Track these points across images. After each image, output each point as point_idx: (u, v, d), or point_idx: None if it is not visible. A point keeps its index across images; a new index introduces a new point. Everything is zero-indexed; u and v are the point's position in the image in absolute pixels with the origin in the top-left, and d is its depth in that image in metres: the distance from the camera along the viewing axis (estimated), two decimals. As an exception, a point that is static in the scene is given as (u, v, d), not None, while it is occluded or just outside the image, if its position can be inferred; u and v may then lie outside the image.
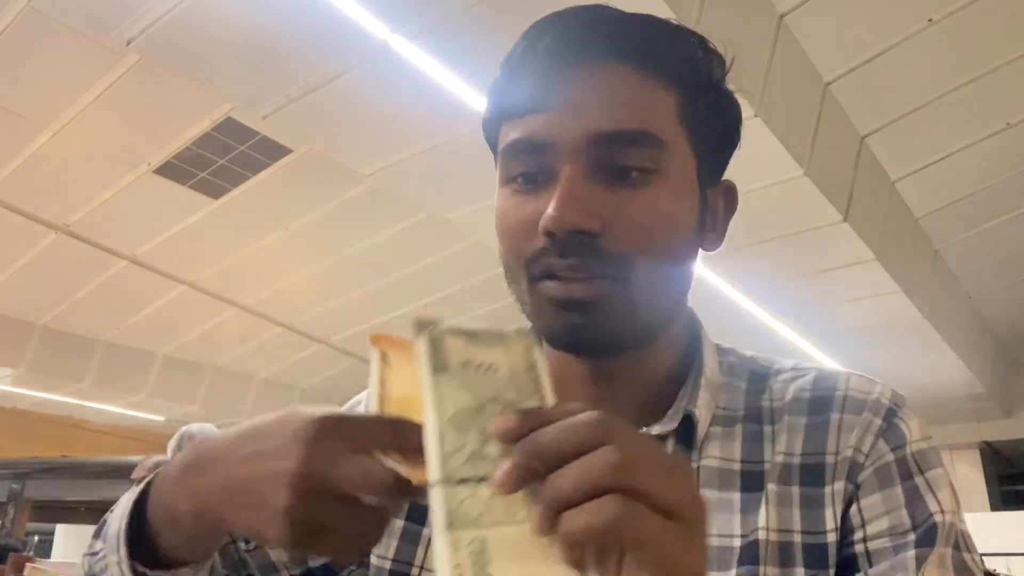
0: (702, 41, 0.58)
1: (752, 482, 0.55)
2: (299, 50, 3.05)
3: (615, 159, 0.52)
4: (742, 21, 3.25)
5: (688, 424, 0.56)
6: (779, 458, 0.55)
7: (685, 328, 0.62)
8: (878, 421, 0.55)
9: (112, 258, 5.55)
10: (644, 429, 0.55)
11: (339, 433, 0.37)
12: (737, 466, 0.56)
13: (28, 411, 7.84)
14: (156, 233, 5.32)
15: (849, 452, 0.54)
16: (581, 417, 0.34)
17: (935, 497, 0.52)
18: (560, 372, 0.59)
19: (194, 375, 7.50)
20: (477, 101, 3.08)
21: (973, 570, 0.51)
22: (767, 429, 0.57)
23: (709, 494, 0.55)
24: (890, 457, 0.53)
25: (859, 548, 0.51)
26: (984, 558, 5.57)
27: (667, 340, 0.59)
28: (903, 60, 3.73)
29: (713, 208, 0.58)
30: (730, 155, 0.60)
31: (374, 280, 6.00)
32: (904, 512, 0.51)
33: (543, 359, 0.36)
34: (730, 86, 0.59)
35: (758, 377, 0.61)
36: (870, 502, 0.52)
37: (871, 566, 0.50)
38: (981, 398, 7.47)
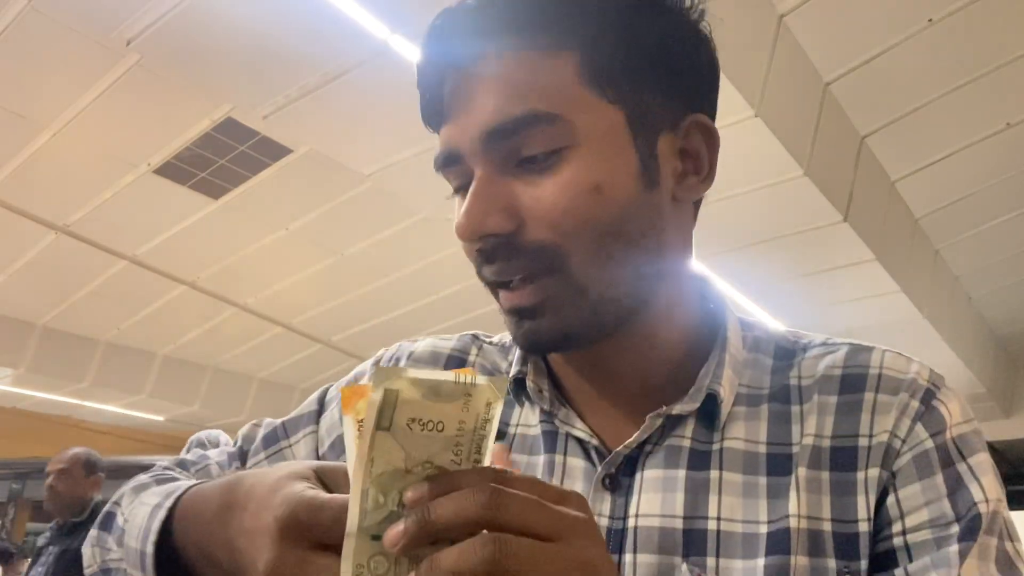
0: None
1: (779, 465, 0.52)
2: (299, 50, 3.05)
3: (516, 149, 0.49)
4: (742, 21, 3.25)
5: (711, 403, 0.54)
6: (808, 440, 0.52)
7: (697, 299, 0.59)
8: (915, 403, 0.52)
9: (112, 258, 5.55)
10: (664, 409, 0.53)
11: (308, 534, 0.37)
12: (763, 448, 0.53)
13: (28, 411, 7.83)
14: (156, 233, 5.32)
15: (885, 437, 0.51)
16: (475, 489, 0.34)
17: (979, 484, 0.49)
18: (560, 368, 0.58)
19: (194, 375, 7.50)
20: (477, 101, 3.08)
21: (1015, 561, 0.48)
22: (795, 409, 0.54)
23: (733, 477, 0.52)
24: (929, 444, 0.50)
25: (898, 541, 0.49)
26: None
27: (667, 312, 0.56)
28: (903, 60, 3.73)
29: (681, 150, 0.54)
30: (691, 87, 0.55)
31: (374, 280, 6.00)
32: (946, 502, 0.48)
33: (498, 413, 0.36)
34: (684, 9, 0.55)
35: (785, 353, 0.58)
36: (909, 492, 0.49)
37: (911, 560, 0.48)
38: (981, 398, 7.47)
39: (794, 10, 3.45)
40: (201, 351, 7.26)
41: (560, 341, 0.52)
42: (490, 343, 0.66)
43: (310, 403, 0.69)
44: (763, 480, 0.52)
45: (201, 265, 5.82)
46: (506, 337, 0.65)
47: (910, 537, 0.49)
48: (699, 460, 0.53)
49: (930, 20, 3.53)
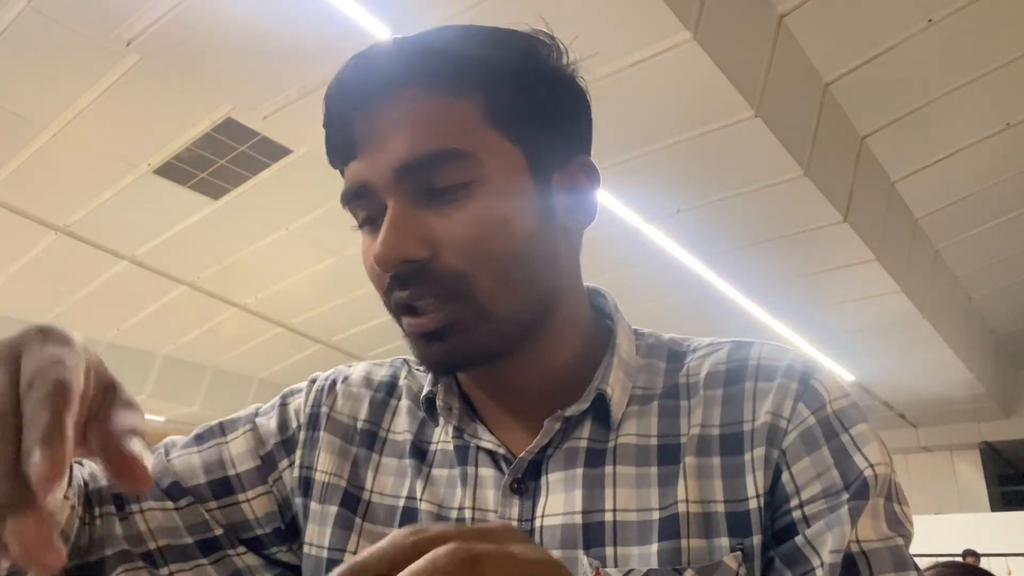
0: (503, 35, 0.60)
1: (669, 455, 0.56)
2: (299, 51, 3.05)
3: (430, 182, 0.53)
4: (742, 21, 3.25)
5: (602, 403, 0.57)
6: (695, 430, 0.56)
7: (590, 314, 0.63)
8: (794, 385, 0.55)
9: (112, 258, 5.55)
10: (559, 412, 0.57)
11: None
12: (654, 441, 0.57)
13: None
14: (156, 233, 5.33)
15: (768, 418, 0.54)
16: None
17: (862, 453, 0.52)
18: (468, 385, 0.62)
19: (194, 375, 7.51)
20: (477, 101, 3.09)
21: (904, 522, 0.52)
22: (683, 404, 0.58)
23: (626, 470, 0.56)
24: (812, 420, 0.54)
25: (796, 514, 0.52)
26: (984, 558, 5.55)
27: (562, 328, 0.60)
28: (903, 60, 3.73)
29: (569, 188, 0.59)
30: (580, 133, 0.60)
31: (374, 280, 6.00)
32: (835, 472, 0.52)
33: None
34: (566, 66, 0.60)
35: (676, 355, 0.62)
36: (800, 468, 0.53)
37: (809, 528, 0.51)
38: (981, 398, 7.48)
39: (794, 10, 3.45)
40: (201, 351, 7.27)
41: (466, 361, 0.56)
42: (420, 368, 0.70)
43: (245, 411, 0.73)
44: (654, 470, 0.56)
45: (201, 265, 5.82)
46: None
47: (806, 509, 0.52)
48: (595, 458, 0.57)
49: (930, 20, 3.53)
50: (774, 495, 0.53)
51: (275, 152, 4.47)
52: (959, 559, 5.50)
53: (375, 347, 7.19)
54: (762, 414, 0.54)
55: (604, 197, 3.93)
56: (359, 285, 6.15)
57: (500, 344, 0.55)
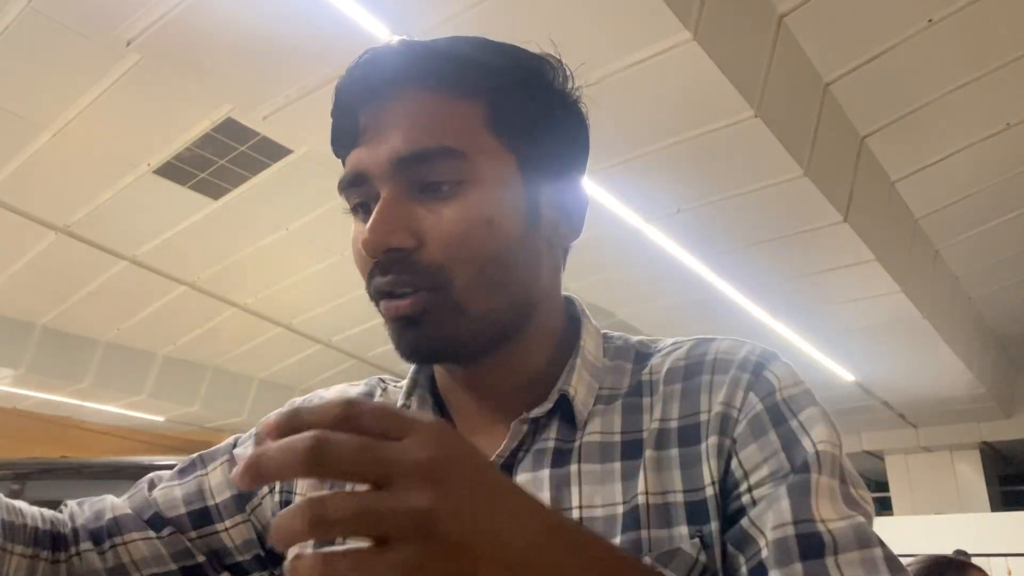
0: (517, 52, 0.62)
1: (631, 450, 0.57)
2: (299, 51, 3.05)
3: (424, 177, 0.55)
4: (742, 21, 3.25)
5: (566, 404, 0.59)
6: (655, 424, 0.58)
7: (565, 322, 0.65)
8: (746, 376, 0.57)
9: (112, 258, 5.55)
10: (525, 415, 0.59)
11: None
12: (618, 437, 0.58)
13: (28, 411, 7.84)
14: (156, 233, 5.33)
15: (720, 408, 0.56)
16: (302, 437, 0.34)
17: (809, 436, 0.53)
18: (444, 377, 0.64)
19: (194, 375, 7.50)
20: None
21: (860, 502, 0.52)
22: (646, 400, 0.60)
23: (591, 468, 0.57)
24: (760, 406, 0.55)
25: (746, 499, 0.53)
26: (984, 558, 5.54)
27: (536, 336, 0.62)
28: (903, 60, 3.73)
29: (557, 205, 0.61)
30: (576, 153, 0.63)
31: (374, 280, 6.00)
32: (782, 455, 0.53)
33: None
34: (575, 92, 0.63)
35: (642, 356, 0.64)
36: (747, 453, 0.54)
37: (754, 509, 0.53)
38: (981, 399, 7.48)
39: (794, 10, 3.45)
40: (201, 351, 7.26)
41: (438, 351, 0.58)
42: (396, 385, 0.72)
43: (224, 442, 0.76)
44: (618, 465, 0.57)
45: (201, 265, 5.82)
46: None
47: (755, 492, 0.53)
48: (561, 458, 0.59)
49: (930, 20, 3.53)
50: (726, 482, 0.54)
51: (275, 152, 4.47)
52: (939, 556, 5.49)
53: (375, 347, 7.19)
54: (716, 405, 0.56)
55: (604, 197, 3.92)
56: (359, 285, 6.07)
57: (471, 339, 0.57)
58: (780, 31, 3.48)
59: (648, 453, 0.57)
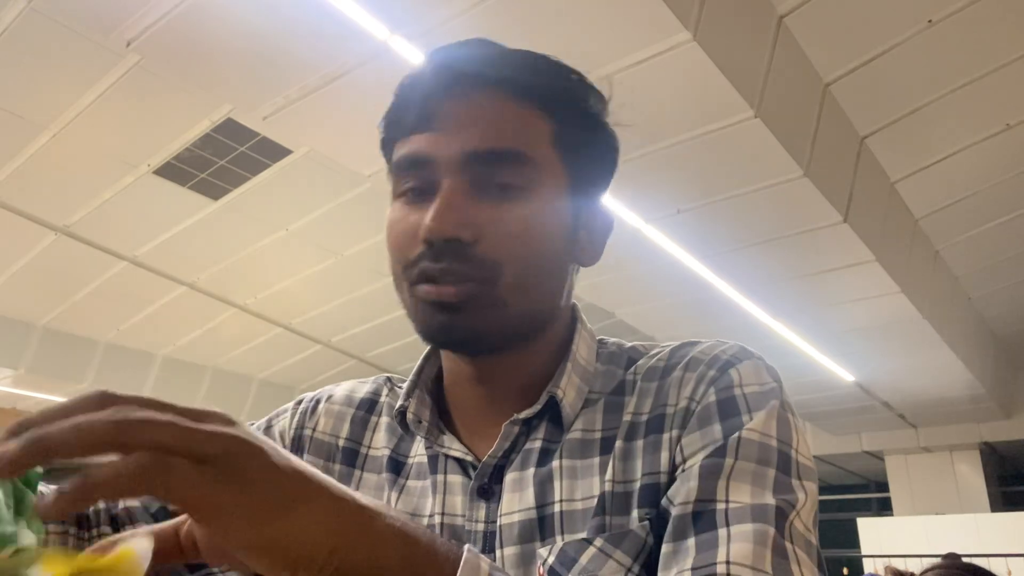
0: (580, 77, 0.64)
1: (608, 445, 0.60)
2: (299, 51, 3.05)
3: (490, 175, 0.58)
4: (742, 21, 3.25)
5: (554, 405, 0.61)
6: (628, 418, 0.60)
7: (565, 327, 0.68)
8: (712, 372, 0.59)
9: (112, 259, 5.55)
10: (515, 416, 0.61)
11: None
12: (598, 434, 0.60)
13: (28, 412, 7.84)
14: (156, 234, 5.33)
15: (684, 402, 0.58)
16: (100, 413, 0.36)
17: (750, 418, 0.55)
18: (452, 372, 0.66)
19: (194, 376, 7.50)
20: (477, 102, 3.08)
21: (794, 492, 0.52)
22: (626, 399, 0.62)
23: (571, 463, 0.59)
24: (713, 398, 0.57)
25: (675, 478, 0.55)
26: (984, 559, 5.53)
27: (545, 340, 0.64)
28: (903, 60, 3.73)
29: (588, 227, 0.64)
30: (607, 181, 0.67)
31: (374, 281, 6.01)
32: (721, 445, 0.54)
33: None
34: (609, 121, 0.66)
35: (632, 361, 0.66)
36: (689, 440, 0.56)
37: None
38: (981, 399, 7.47)
39: (794, 10, 3.45)
40: (201, 352, 7.26)
41: (467, 338, 0.60)
42: (401, 387, 0.73)
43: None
44: (596, 460, 0.59)
45: (201, 266, 5.82)
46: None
47: (680, 474, 0.55)
48: (545, 457, 0.61)
49: (930, 21, 3.53)
50: (673, 471, 0.56)
51: (275, 152, 4.47)
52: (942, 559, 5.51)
53: (375, 347, 7.19)
54: (682, 399, 0.58)
55: (604, 197, 3.92)
56: (359, 285, 6.15)
57: (500, 333, 0.59)
58: (780, 31, 3.48)
59: (618, 444, 0.59)
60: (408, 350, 6.89)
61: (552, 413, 0.61)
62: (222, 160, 4.51)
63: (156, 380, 7.23)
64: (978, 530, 7.26)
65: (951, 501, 8.64)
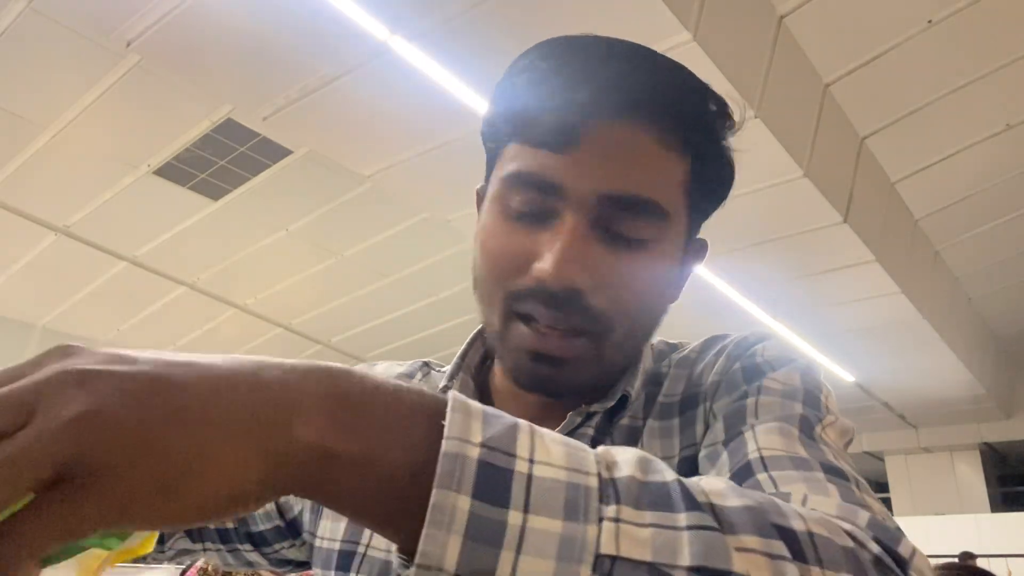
0: (717, 100, 0.57)
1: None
2: (299, 52, 3.05)
3: (620, 221, 0.53)
4: (742, 22, 3.25)
5: (622, 402, 0.60)
6: (662, 399, 0.60)
7: None
8: (739, 351, 0.59)
9: (112, 259, 5.55)
10: (583, 407, 0.59)
11: None
12: (640, 422, 0.60)
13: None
14: (156, 234, 5.33)
15: (716, 377, 0.58)
16: None
17: (773, 371, 0.54)
18: (500, 383, 0.63)
19: (194, 376, 7.50)
20: (477, 102, 3.08)
21: (824, 442, 0.49)
22: (663, 387, 0.62)
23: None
24: (737, 365, 0.56)
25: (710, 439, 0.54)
26: (984, 559, 5.52)
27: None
28: (903, 61, 3.73)
29: (689, 263, 0.61)
30: (714, 210, 0.61)
31: (374, 281, 6.01)
32: (743, 390, 0.54)
33: None
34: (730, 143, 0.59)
35: (667, 355, 0.66)
36: (718, 404, 0.55)
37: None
38: (981, 399, 7.48)
39: (794, 11, 3.45)
40: (201, 352, 7.25)
41: (564, 390, 0.56)
42: (439, 370, 0.71)
43: None
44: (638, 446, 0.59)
45: (201, 266, 5.82)
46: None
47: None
48: (596, 444, 0.59)
49: (930, 21, 3.53)
50: (707, 441, 0.55)
51: (275, 153, 4.47)
52: (956, 561, 5.51)
53: (375, 348, 7.19)
54: (713, 376, 0.58)
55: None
56: (359, 286, 6.15)
57: (597, 383, 0.58)
58: (780, 31, 3.48)
59: (650, 423, 0.58)
60: (408, 350, 6.89)
61: (614, 408, 0.60)
62: (222, 160, 4.51)
63: (156, 380, 7.23)
64: (978, 530, 7.26)
65: (951, 501, 8.64)
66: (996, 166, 4.63)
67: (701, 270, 4.76)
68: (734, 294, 5.08)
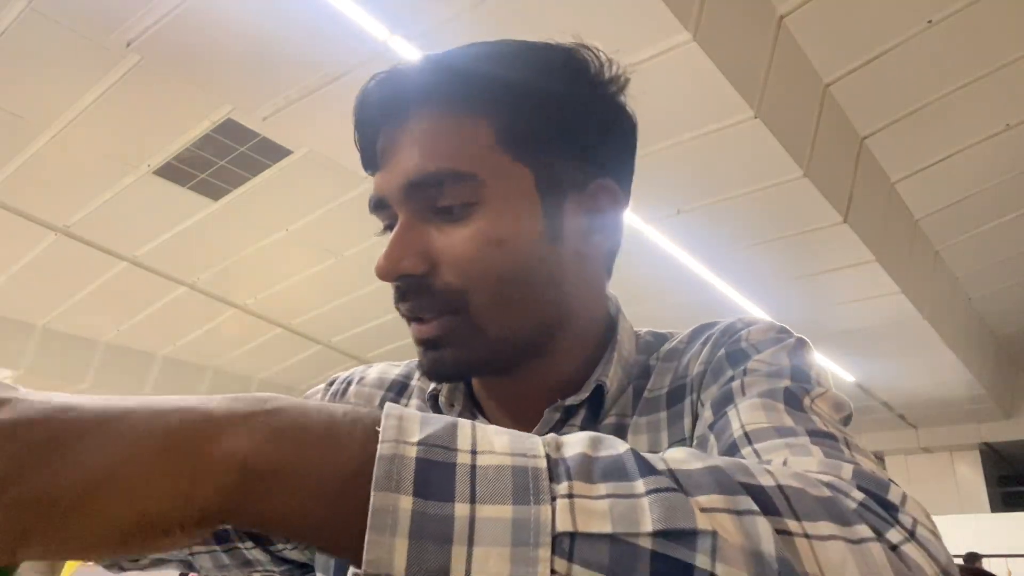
0: (528, 57, 0.58)
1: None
2: (299, 51, 3.05)
3: (435, 200, 0.55)
4: (742, 21, 3.25)
5: (599, 394, 0.59)
6: (647, 394, 0.59)
7: (600, 320, 0.65)
8: (724, 338, 0.58)
9: (112, 259, 5.55)
10: (559, 402, 0.58)
11: None
12: (629, 420, 0.59)
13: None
14: (156, 234, 5.33)
15: (701, 367, 0.57)
16: None
17: (757, 353, 0.54)
18: (480, 387, 0.64)
19: (194, 376, 7.50)
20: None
21: (818, 415, 0.48)
22: (651, 381, 0.61)
23: None
24: (722, 352, 0.56)
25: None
26: (984, 559, 5.51)
27: (571, 346, 0.61)
28: (903, 61, 3.73)
29: (587, 210, 0.59)
30: (599, 153, 0.59)
31: (374, 281, 5.91)
32: (730, 375, 0.53)
33: None
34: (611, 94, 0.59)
35: (657, 347, 0.65)
36: (707, 393, 0.54)
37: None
38: (981, 399, 7.48)
39: (794, 11, 3.45)
40: (201, 352, 7.26)
41: (459, 372, 0.58)
42: None
43: None
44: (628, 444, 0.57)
45: (201, 266, 5.82)
46: None
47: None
48: None
49: (930, 21, 3.53)
50: (697, 433, 0.54)
51: (275, 153, 4.47)
52: (961, 560, 5.50)
53: (375, 348, 7.19)
54: (698, 367, 0.57)
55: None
56: (359, 286, 6.14)
57: (493, 360, 0.57)
58: (780, 32, 3.48)
59: (636, 419, 0.58)
60: (408, 350, 6.87)
61: (594, 401, 0.59)
62: (222, 160, 4.51)
63: (156, 380, 7.23)
64: (978, 531, 7.25)
65: (951, 502, 8.64)
66: (996, 166, 4.63)
67: (701, 270, 4.76)
68: (734, 294, 5.08)
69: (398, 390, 0.72)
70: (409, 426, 0.31)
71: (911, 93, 4.01)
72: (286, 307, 6.53)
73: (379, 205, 0.59)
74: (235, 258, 5.71)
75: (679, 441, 0.55)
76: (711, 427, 0.50)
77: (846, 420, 0.53)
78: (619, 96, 0.61)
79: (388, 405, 0.33)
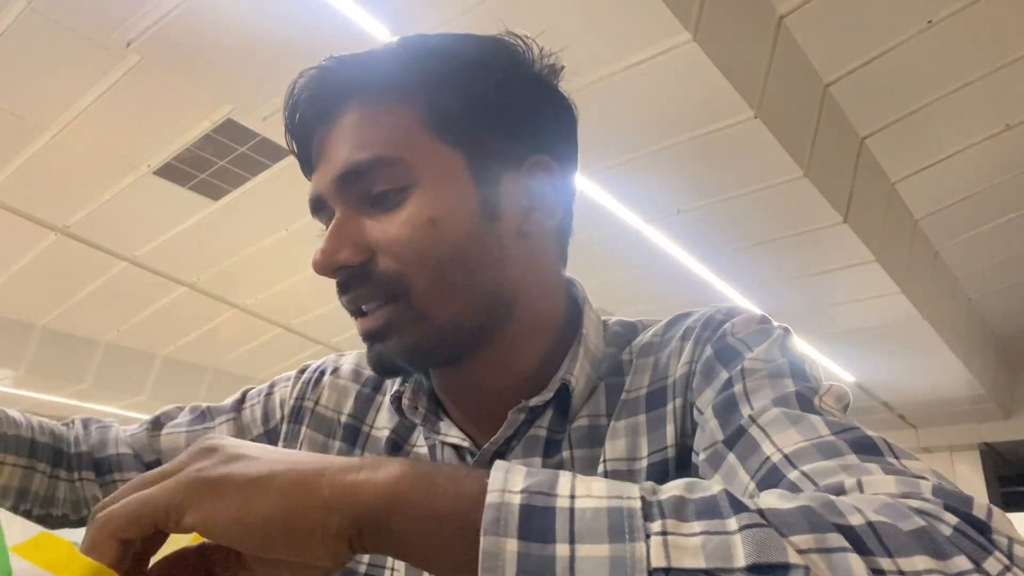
0: (450, 44, 0.60)
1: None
2: (299, 52, 3.05)
3: (367, 190, 0.55)
4: (742, 21, 3.25)
5: (564, 393, 0.58)
6: (625, 395, 0.58)
7: (563, 308, 0.64)
8: (707, 333, 0.57)
9: (112, 259, 5.55)
10: (523, 403, 0.57)
11: None
12: (604, 420, 0.58)
13: (28, 413, 7.83)
14: (156, 234, 5.32)
15: (684, 368, 0.56)
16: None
17: (750, 352, 0.53)
18: (438, 382, 0.64)
19: (194, 376, 7.50)
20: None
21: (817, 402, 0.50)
22: (624, 379, 0.59)
23: (581, 453, 0.57)
24: (710, 351, 0.55)
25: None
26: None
27: (526, 331, 0.60)
28: (903, 61, 3.73)
29: (524, 188, 0.58)
30: (530, 131, 0.60)
31: (374, 281, 6.00)
32: (726, 378, 0.52)
33: None
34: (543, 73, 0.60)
35: (630, 340, 0.64)
36: (702, 398, 0.53)
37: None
38: (981, 399, 7.47)
39: (794, 11, 3.45)
40: (201, 352, 7.26)
41: (406, 363, 0.57)
42: None
43: (233, 396, 0.78)
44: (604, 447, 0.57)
45: (201, 266, 5.82)
46: None
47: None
48: (553, 447, 0.58)
49: (930, 21, 3.53)
50: (688, 435, 0.54)
51: (275, 153, 4.47)
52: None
53: (375, 348, 7.19)
54: (680, 367, 0.56)
55: (603, 198, 3.92)
56: (359, 286, 6.14)
57: (439, 347, 0.56)
58: (780, 32, 3.48)
59: (614, 423, 0.56)
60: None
61: (560, 400, 0.58)
62: (222, 161, 4.51)
63: (156, 381, 7.23)
64: (978, 530, 7.24)
65: (951, 501, 8.64)
66: (996, 166, 4.63)
67: (701, 270, 4.76)
68: (734, 294, 5.08)
69: (374, 386, 0.71)
70: (514, 478, 0.34)
71: (911, 93, 4.00)
72: (286, 307, 6.53)
73: (317, 205, 0.59)
74: (235, 258, 5.71)
75: (659, 451, 0.54)
76: (727, 444, 0.48)
77: (846, 409, 0.55)
78: (551, 78, 0.62)
79: (498, 462, 0.36)
